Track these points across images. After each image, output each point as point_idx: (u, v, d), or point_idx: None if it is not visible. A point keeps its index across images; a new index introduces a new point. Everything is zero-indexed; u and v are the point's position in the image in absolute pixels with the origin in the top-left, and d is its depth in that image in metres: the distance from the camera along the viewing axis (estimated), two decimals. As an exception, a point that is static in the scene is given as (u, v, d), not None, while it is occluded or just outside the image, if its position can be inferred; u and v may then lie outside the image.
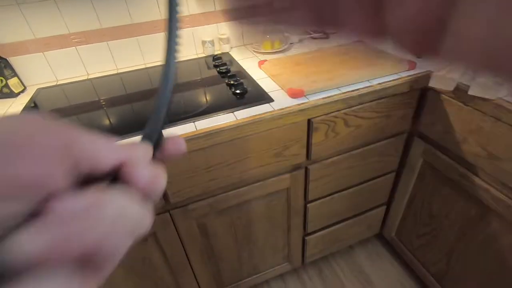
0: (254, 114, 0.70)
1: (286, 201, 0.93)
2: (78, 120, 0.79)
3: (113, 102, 0.85)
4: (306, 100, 0.74)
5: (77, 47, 0.96)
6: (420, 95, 0.88)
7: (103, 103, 0.85)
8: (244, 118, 0.69)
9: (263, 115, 0.70)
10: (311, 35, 1.16)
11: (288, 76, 0.84)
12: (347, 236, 1.18)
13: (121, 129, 0.71)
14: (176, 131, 0.66)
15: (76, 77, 1.01)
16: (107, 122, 0.76)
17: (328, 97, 0.75)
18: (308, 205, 0.97)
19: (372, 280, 1.20)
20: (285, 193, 0.90)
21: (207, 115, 0.71)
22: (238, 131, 0.69)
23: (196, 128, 0.66)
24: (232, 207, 0.84)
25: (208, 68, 1.02)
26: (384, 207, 1.16)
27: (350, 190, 1.01)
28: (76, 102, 0.87)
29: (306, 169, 0.87)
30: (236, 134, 0.69)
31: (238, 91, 0.80)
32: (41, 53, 0.94)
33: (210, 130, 0.66)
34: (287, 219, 0.98)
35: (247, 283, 1.08)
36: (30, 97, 0.90)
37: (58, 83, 0.98)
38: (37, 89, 0.94)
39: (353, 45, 1.02)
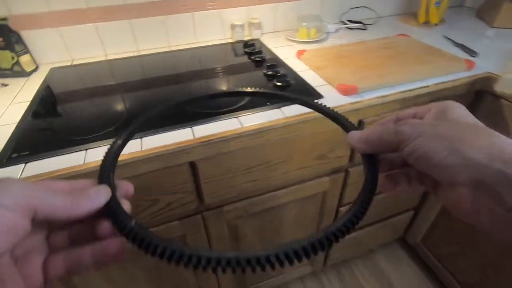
0: (303, 112, 0.62)
1: (320, 204, 0.87)
2: (92, 105, 0.70)
3: (132, 87, 0.77)
4: (360, 99, 0.66)
5: (96, 23, 0.86)
6: (473, 99, 0.81)
7: (121, 88, 0.76)
8: (293, 116, 0.61)
9: (314, 113, 0.62)
10: (347, 25, 1.07)
11: (335, 70, 0.76)
12: (370, 240, 1.13)
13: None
14: (216, 128, 0.58)
15: (93, 57, 0.91)
16: (122, 108, 0.68)
17: (383, 96, 0.67)
18: (340, 209, 0.91)
19: (393, 282, 1.17)
20: (320, 196, 0.84)
21: (250, 110, 0.63)
22: (287, 130, 0.61)
23: (241, 125, 0.59)
24: (266, 210, 0.77)
25: (236, 55, 0.94)
26: (411, 212, 1.11)
27: (383, 194, 0.96)
28: (91, 85, 0.79)
29: (347, 172, 0.81)
30: (284, 132, 0.61)
31: (279, 84, 0.72)
32: (56, 28, 0.84)
33: (258, 128, 0.58)
34: (317, 223, 0.93)
35: (268, 284, 1.04)
36: (43, 77, 0.81)
37: (73, 63, 0.89)
38: (50, 69, 0.85)
39: (396, 39, 0.94)
